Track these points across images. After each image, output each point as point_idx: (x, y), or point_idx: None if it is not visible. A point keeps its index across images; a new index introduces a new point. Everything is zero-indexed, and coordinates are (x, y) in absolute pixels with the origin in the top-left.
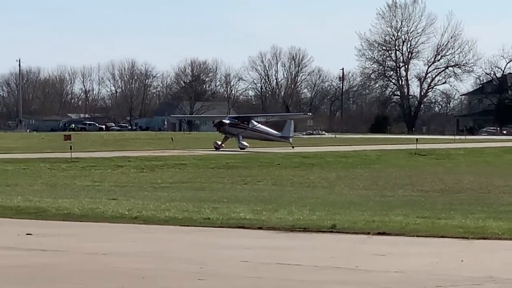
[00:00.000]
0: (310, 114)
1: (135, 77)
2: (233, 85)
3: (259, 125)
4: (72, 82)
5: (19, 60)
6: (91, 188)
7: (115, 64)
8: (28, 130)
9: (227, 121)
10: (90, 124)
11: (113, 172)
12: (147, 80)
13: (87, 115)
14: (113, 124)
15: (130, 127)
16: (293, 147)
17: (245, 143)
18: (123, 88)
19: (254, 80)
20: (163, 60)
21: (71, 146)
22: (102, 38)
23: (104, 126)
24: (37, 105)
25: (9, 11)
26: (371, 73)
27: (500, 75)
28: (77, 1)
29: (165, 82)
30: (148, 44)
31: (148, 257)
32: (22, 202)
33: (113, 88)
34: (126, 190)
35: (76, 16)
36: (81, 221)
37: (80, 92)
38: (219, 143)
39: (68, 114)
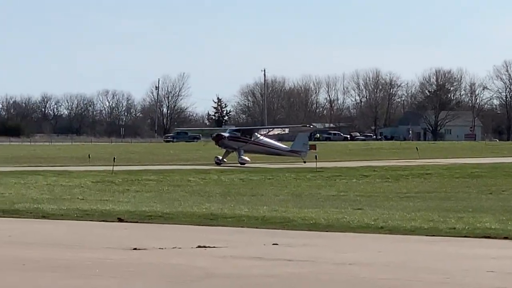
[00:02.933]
0: (313, 126)
1: (380, 87)
2: (478, 94)
3: (263, 138)
4: (317, 91)
5: (264, 70)
6: (336, 198)
7: (360, 74)
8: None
9: (226, 134)
10: (335, 134)
11: (358, 182)
12: (391, 90)
13: (331, 125)
14: (358, 134)
15: (374, 136)
16: (305, 162)
17: (246, 158)
18: (367, 97)
19: (499, 89)
20: (407, 69)
21: (316, 156)
22: (346, 48)
23: (348, 136)
24: (282, 115)
25: (249, 25)
26: None
27: None
28: (324, 12)
29: (409, 91)
30: (393, 53)
31: (393, 267)
32: (268, 212)
33: (357, 97)
34: (371, 200)
35: (319, 26)
36: (326, 231)
37: (325, 101)
38: (220, 157)
39: (313, 124)
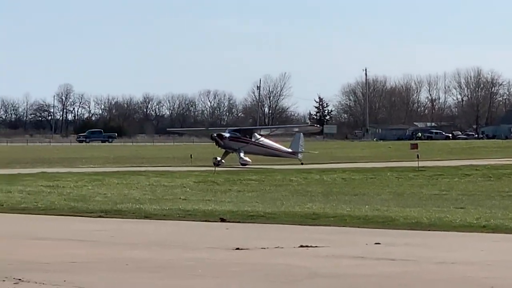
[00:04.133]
0: (318, 126)
1: (481, 85)
2: None
3: (263, 138)
4: (418, 90)
5: (365, 69)
6: (438, 197)
7: (461, 72)
8: (374, 139)
9: (227, 135)
10: (436, 133)
11: (460, 181)
12: (493, 88)
13: (433, 124)
14: (459, 133)
15: (476, 135)
16: (302, 163)
17: (247, 159)
18: (469, 96)
19: None
20: (509, 67)
21: (418, 155)
22: (448, 46)
23: (450, 135)
24: (383, 114)
25: (350, 24)
26: None
27: None
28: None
29: (511, 89)
30: (494, 52)
31: (496, 266)
32: (370, 211)
33: (459, 96)
34: (474, 199)
35: (420, 25)
36: (429, 230)
37: (426, 100)
38: (219, 158)
39: (414, 123)
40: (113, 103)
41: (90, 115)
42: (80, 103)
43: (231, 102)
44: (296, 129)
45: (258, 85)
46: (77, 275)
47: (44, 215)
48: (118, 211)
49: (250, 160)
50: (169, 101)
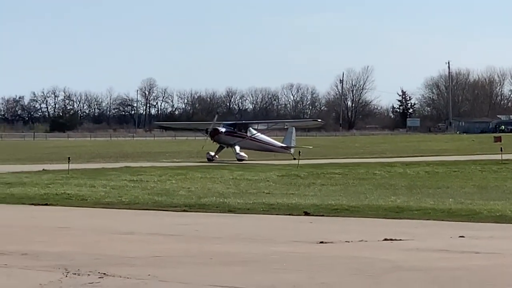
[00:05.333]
0: (320, 120)
1: None
2: None
3: (258, 133)
4: (502, 83)
5: (448, 63)
6: None
7: None
8: (457, 132)
9: (223, 129)
10: None
11: None
12: None
13: None
14: None
15: None
16: (294, 158)
17: (243, 154)
18: None
19: None
20: None
21: (501, 148)
22: None
23: None
24: (467, 107)
25: (432, 17)
26: None
27: None
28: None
29: None
30: None
31: None
32: (454, 204)
33: None
34: None
35: (502, 17)
36: None
37: (510, 93)
38: (212, 154)
39: (498, 116)
40: (196, 97)
41: (173, 109)
42: (163, 97)
43: (314, 95)
44: (290, 124)
45: (341, 79)
46: (161, 269)
47: (128, 209)
48: (202, 205)
49: (246, 156)
50: (252, 95)
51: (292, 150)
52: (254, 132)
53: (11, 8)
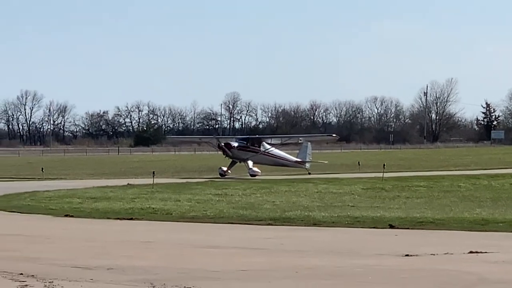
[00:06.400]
0: (335, 135)
1: None
2: None
3: (273, 148)
4: None
5: None
6: None
7: None
8: None
9: (235, 144)
10: None
11: None
12: None
13: None
14: None
15: None
16: (309, 173)
17: (256, 169)
18: None
19: None
20: None
21: None
22: None
23: None
24: None
25: None
26: None
27: None
28: None
29: None
30: None
31: None
32: None
33: None
34: None
35: None
36: None
37: None
38: (225, 169)
39: None
40: (280, 110)
41: (257, 123)
42: (247, 111)
43: (397, 108)
44: (302, 139)
45: (425, 91)
46: (247, 282)
47: (213, 223)
48: (286, 218)
49: (259, 171)
50: (336, 108)
51: (307, 165)
52: (268, 146)
53: (96, 24)
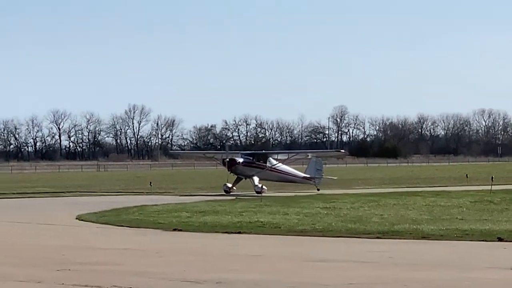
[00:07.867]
0: (344, 151)
1: None
2: None
3: (280, 164)
4: None
5: None
6: None
7: None
8: None
9: (240, 160)
10: None
11: None
12: None
13: None
14: None
15: None
16: (318, 189)
17: (262, 186)
18: None
19: None
20: None
21: None
22: None
23: None
24: None
25: None
26: None
27: None
28: None
29: None
30: None
31: None
32: None
33: None
34: None
35: None
36: None
37: None
38: (230, 185)
39: None
40: (388, 123)
41: (365, 136)
42: (354, 124)
43: (505, 121)
44: (310, 155)
45: None
46: None
47: (321, 236)
48: (395, 231)
49: (266, 188)
50: (443, 121)
51: (317, 181)
52: (274, 162)
53: (204, 43)
